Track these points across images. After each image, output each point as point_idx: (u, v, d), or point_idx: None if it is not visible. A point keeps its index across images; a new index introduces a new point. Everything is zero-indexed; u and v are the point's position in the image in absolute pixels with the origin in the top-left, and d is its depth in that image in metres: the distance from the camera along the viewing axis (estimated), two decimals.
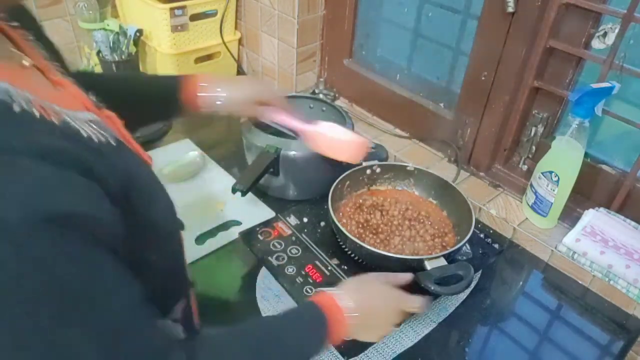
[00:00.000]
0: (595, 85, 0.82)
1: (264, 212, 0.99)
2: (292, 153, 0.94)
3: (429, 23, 1.15)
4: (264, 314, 0.79)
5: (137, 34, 1.30)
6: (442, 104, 1.16)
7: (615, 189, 0.92)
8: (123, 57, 1.28)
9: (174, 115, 1.03)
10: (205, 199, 1.02)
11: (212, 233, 0.93)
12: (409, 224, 0.92)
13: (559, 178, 0.89)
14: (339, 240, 0.89)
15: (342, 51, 1.31)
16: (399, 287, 0.71)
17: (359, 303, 0.62)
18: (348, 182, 0.97)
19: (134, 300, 0.43)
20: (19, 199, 0.34)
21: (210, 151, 1.15)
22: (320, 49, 1.35)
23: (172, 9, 1.26)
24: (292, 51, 1.31)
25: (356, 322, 0.62)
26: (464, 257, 0.90)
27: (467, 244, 0.90)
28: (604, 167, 0.95)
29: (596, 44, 0.87)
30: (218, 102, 0.81)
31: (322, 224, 0.95)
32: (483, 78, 1.00)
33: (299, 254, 0.87)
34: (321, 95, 1.32)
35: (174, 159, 1.07)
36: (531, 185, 0.96)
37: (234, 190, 0.89)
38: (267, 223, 0.94)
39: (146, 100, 0.81)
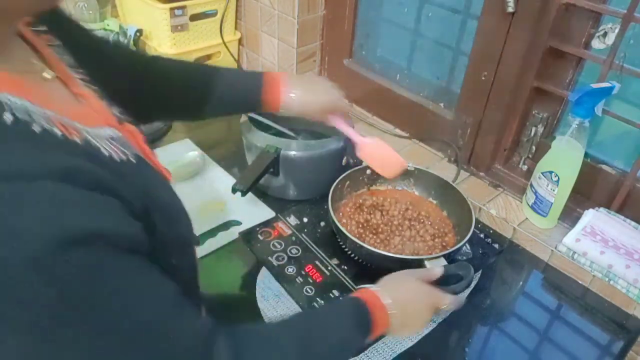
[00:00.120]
0: (595, 85, 0.82)
1: (264, 212, 0.99)
2: (292, 153, 0.94)
3: (429, 23, 1.15)
4: (264, 314, 0.79)
5: (137, 34, 1.30)
6: (442, 104, 1.16)
7: (615, 189, 0.92)
8: None
9: (249, 112, 1.02)
10: (205, 199, 1.02)
11: (212, 233, 0.93)
12: (409, 224, 0.92)
13: (559, 178, 0.89)
14: (339, 240, 0.89)
15: (342, 51, 1.31)
16: (430, 283, 0.72)
17: (397, 300, 0.64)
18: (348, 182, 0.97)
19: (170, 300, 0.44)
20: (38, 224, 0.33)
21: (210, 151, 1.15)
22: (320, 49, 1.35)
23: (172, 9, 1.26)
24: (292, 51, 1.31)
25: (395, 320, 0.63)
26: (464, 257, 0.90)
27: (467, 244, 0.90)
28: (604, 167, 0.95)
29: (596, 44, 0.87)
30: (294, 108, 0.83)
31: (322, 224, 0.95)
32: (483, 78, 1.00)
33: (299, 254, 0.88)
34: None
35: (174, 159, 1.07)
36: (531, 185, 0.96)
37: (234, 190, 0.89)
38: (267, 223, 0.94)
39: (227, 98, 0.81)
